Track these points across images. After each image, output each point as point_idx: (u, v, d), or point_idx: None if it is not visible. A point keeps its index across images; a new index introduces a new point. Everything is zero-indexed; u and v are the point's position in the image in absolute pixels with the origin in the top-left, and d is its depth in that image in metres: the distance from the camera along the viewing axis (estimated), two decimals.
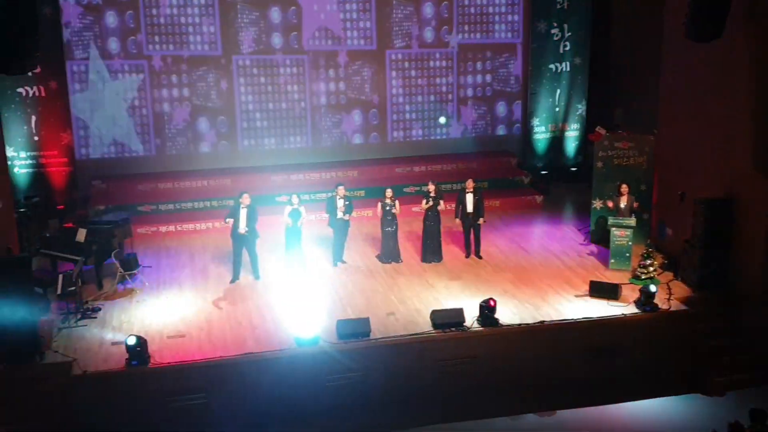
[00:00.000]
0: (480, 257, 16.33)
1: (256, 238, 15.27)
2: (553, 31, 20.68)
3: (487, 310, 13.53)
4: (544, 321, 13.77)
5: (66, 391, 12.03)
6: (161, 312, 14.19)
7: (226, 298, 14.72)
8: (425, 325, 13.57)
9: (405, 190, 19.16)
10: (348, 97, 20.40)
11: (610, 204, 15.90)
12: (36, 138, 18.26)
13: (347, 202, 15.76)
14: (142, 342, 12.39)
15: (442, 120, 16.58)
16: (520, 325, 13.66)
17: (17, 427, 11.66)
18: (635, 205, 15.76)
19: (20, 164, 18.25)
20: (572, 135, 21.44)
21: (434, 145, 21.07)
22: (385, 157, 20.67)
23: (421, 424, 13.19)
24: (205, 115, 19.68)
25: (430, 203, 15.94)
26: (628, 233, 15.56)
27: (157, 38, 19.13)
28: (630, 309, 14.15)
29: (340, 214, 15.69)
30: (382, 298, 14.68)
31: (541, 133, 21.29)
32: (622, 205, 15.74)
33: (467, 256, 16.40)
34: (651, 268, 15.07)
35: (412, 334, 13.33)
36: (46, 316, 13.56)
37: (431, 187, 16.00)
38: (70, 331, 13.40)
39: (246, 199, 15.06)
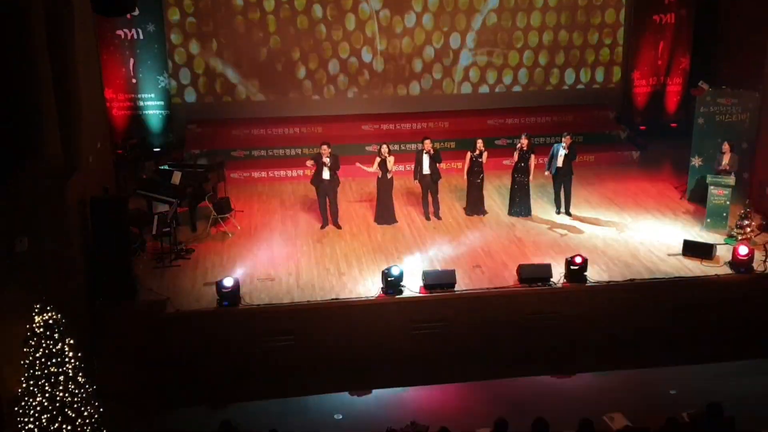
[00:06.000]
0: (570, 214, 16.04)
1: (337, 185, 15.38)
2: None
3: (574, 266, 13.34)
4: (633, 279, 13.52)
5: (159, 329, 12.45)
6: (252, 255, 14.47)
7: (315, 245, 14.90)
8: (511, 279, 13.48)
9: (496, 142, 18.93)
10: (442, 46, 20.13)
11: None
12: (134, 81, 18.67)
13: (433, 155, 15.59)
14: (235, 284, 12.69)
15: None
16: (608, 282, 13.43)
17: (113, 361, 12.12)
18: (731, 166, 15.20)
19: (118, 106, 18.71)
20: (674, 89, 20.71)
21: (529, 96, 20.67)
22: (477, 108, 20.40)
23: (503, 376, 13.20)
24: (299, 62, 19.72)
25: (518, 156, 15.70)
26: (727, 192, 15.05)
27: None
28: (724, 270, 13.77)
29: (425, 170, 15.60)
30: (469, 251, 14.62)
31: (641, 87, 20.64)
32: (724, 163, 15.20)
33: (557, 212, 16.14)
34: (748, 229, 14.60)
35: (498, 288, 13.27)
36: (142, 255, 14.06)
37: (524, 141, 15.73)
38: (164, 271, 13.82)
39: (325, 150, 15.13)
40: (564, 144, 15.67)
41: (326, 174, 15.19)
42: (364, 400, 12.80)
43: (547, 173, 15.97)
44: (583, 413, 9.91)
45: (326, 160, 15.11)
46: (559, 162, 15.73)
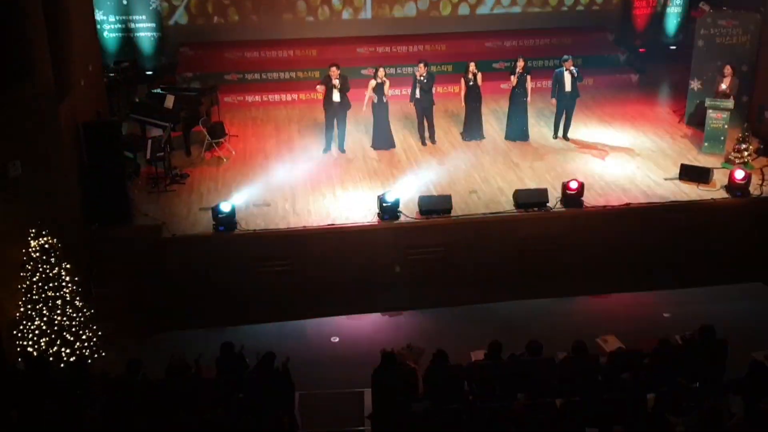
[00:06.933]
0: (567, 139, 15.93)
1: (347, 109, 15.23)
2: None
3: (570, 191, 13.31)
4: (630, 203, 13.51)
5: (155, 253, 12.45)
6: (247, 180, 14.40)
7: (310, 170, 14.81)
8: (507, 205, 13.46)
9: (494, 65, 18.65)
10: None
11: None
12: (125, 2, 18.26)
13: (426, 79, 15.35)
14: (231, 209, 12.66)
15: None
16: (604, 207, 13.43)
17: (109, 285, 12.18)
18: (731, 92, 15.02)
19: (109, 28, 18.35)
20: (674, 11, 20.34)
21: (527, 18, 20.30)
22: (474, 30, 20.04)
23: (498, 300, 13.30)
24: None
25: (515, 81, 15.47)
26: (725, 116, 14.94)
27: None
28: (720, 194, 13.76)
29: (419, 94, 15.39)
30: (465, 176, 14.56)
31: (641, 8, 20.26)
32: (724, 86, 15.04)
33: (554, 136, 16.02)
34: (746, 153, 14.54)
35: (494, 213, 13.26)
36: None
37: (520, 63, 15.50)
38: (158, 196, 13.76)
39: (334, 72, 14.92)
40: (567, 67, 15.42)
41: (336, 96, 15.00)
42: (359, 324, 12.93)
43: (553, 100, 15.75)
44: (576, 336, 10.02)
45: (336, 82, 14.91)
46: (567, 86, 15.47)
